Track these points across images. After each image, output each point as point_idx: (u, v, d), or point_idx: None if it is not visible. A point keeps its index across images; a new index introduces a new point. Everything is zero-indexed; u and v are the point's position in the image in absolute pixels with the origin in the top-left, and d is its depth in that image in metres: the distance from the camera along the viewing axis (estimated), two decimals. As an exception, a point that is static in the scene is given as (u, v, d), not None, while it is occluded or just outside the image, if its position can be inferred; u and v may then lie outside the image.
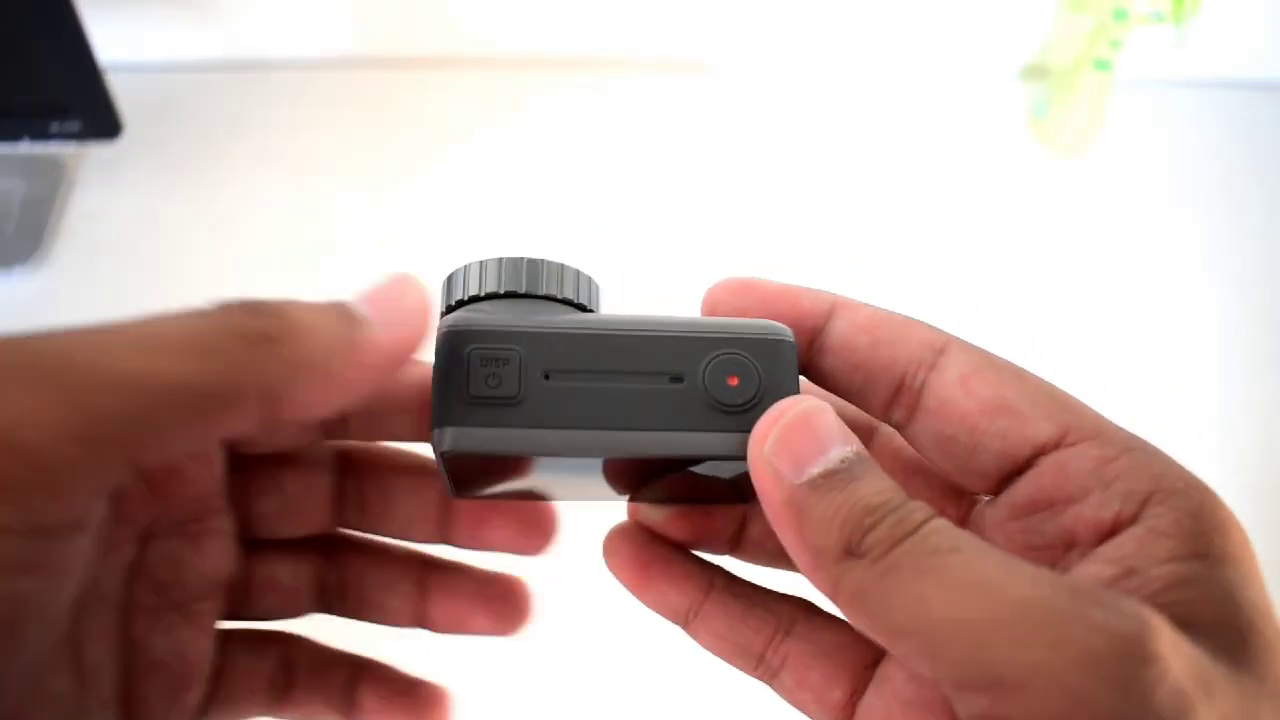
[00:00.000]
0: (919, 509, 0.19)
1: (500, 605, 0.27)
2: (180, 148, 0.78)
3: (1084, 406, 0.21)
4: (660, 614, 0.26)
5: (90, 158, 0.76)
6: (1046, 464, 0.20)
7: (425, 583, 0.27)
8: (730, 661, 0.25)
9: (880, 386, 0.22)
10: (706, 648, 0.26)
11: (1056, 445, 0.20)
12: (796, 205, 0.76)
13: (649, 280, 0.71)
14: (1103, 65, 0.74)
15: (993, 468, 0.21)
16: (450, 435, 0.21)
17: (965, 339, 0.22)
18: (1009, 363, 0.22)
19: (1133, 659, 0.16)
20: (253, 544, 0.25)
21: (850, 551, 0.18)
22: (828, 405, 0.21)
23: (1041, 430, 0.20)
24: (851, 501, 0.19)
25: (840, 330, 0.23)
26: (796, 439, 0.20)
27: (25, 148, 0.72)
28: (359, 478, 0.26)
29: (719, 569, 0.26)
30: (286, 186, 0.76)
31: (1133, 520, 0.19)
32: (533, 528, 0.27)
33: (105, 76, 0.67)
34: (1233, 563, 0.18)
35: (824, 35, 0.83)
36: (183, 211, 0.75)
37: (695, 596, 0.25)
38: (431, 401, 0.21)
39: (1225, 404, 0.68)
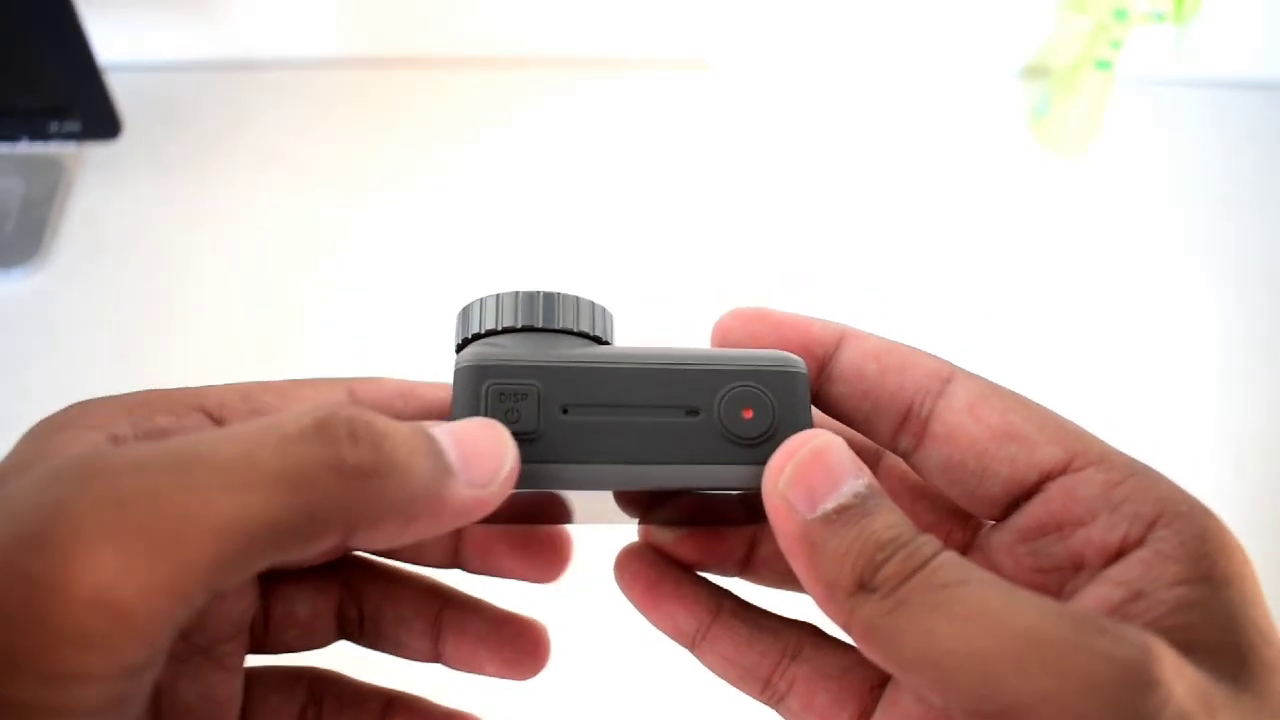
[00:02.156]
0: (928, 543, 0.19)
1: (511, 650, 0.27)
2: (180, 148, 0.78)
3: (1087, 432, 0.21)
4: (668, 635, 0.26)
5: (90, 158, 0.76)
6: (1054, 488, 0.21)
7: (439, 620, 0.26)
8: (737, 685, 0.25)
9: (888, 414, 0.23)
10: (714, 671, 0.26)
11: (1063, 470, 0.21)
12: (796, 204, 0.76)
13: (649, 279, 0.71)
14: (1103, 65, 0.75)
15: (1000, 493, 0.21)
16: None
17: (970, 370, 0.22)
18: (1014, 391, 0.22)
19: (1136, 685, 0.16)
20: (269, 578, 0.25)
21: (863, 586, 0.19)
22: (840, 439, 0.21)
23: (1049, 455, 0.21)
24: (864, 537, 0.19)
25: (849, 358, 0.23)
26: (811, 474, 0.20)
27: (25, 148, 0.72)
28: None
29: (728, 593, 0.26)
30: (286, 186, 0.76)
31: (1139, 543, 0.19)
32: (545, 556, 0.27)
33: (105, 76, 0.67)
34: (1235, 584, 0.19)
35: (825, 35, 0.83)
36: (183, 211, 0.75)
37: (703, 619, 0.25)
38: None
39: (1224, 404, 0.68)
